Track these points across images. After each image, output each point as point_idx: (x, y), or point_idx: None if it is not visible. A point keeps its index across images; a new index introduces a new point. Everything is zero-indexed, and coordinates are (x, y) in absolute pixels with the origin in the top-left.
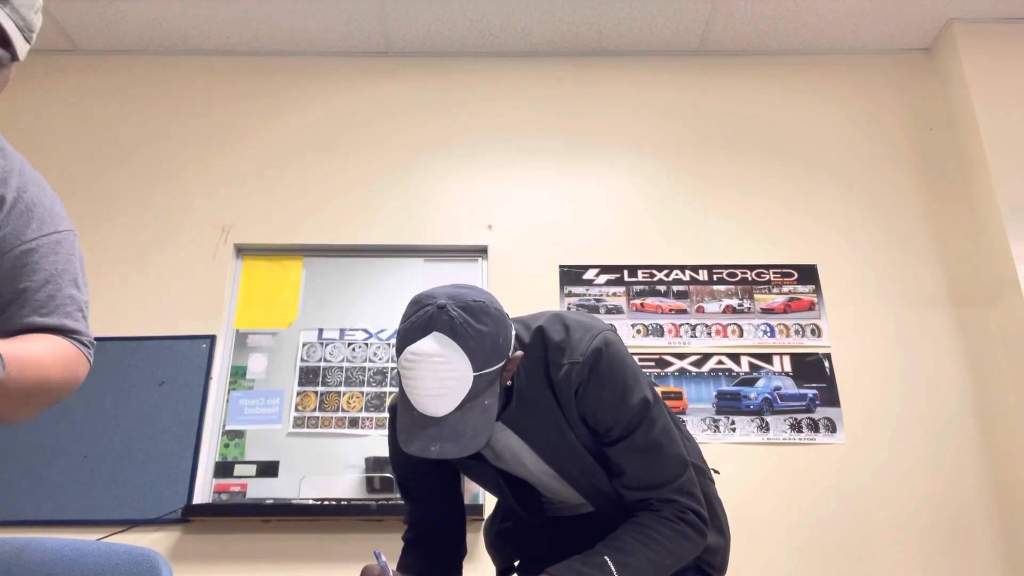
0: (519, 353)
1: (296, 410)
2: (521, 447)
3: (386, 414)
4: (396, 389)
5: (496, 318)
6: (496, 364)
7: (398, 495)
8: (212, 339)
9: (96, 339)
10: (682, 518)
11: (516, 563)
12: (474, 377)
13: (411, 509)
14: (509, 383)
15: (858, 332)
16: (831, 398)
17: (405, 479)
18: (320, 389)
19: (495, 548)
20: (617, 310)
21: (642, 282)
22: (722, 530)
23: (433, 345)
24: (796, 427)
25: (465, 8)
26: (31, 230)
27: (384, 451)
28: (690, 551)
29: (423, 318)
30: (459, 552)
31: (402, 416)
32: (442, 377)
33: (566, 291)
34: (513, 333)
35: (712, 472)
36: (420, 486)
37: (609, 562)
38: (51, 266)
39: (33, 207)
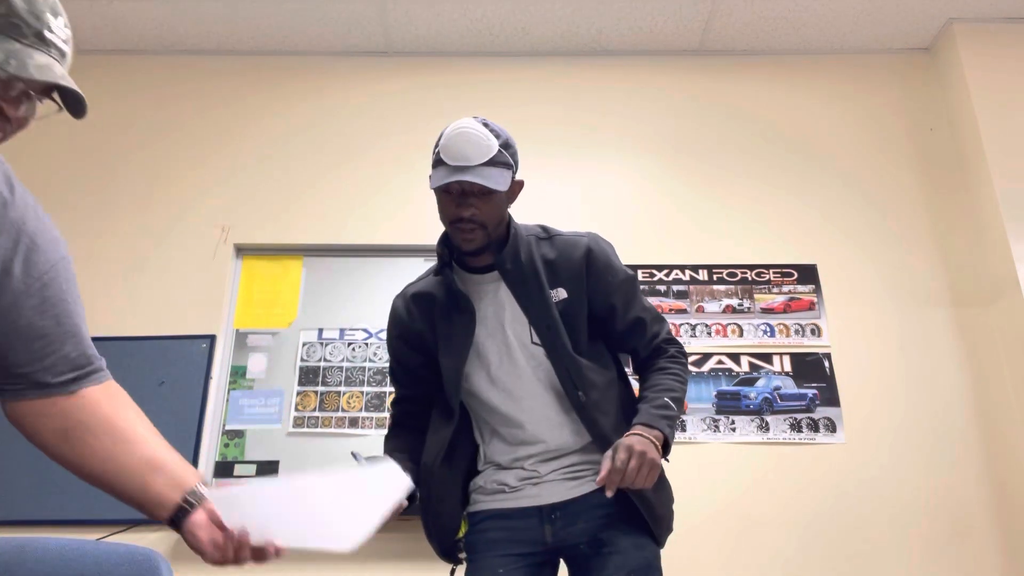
0: (523, 180)
1: (296, 410)
2: (507, 297)
3: (386, 414)
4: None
5: (513, 140)
6: (511, 158)
7: None
8: (212, 339)
9: (96, 339)
10: (681, 351)
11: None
12: (499, 148)
13: (397, 389)
14: (512, 231)
15: (858, 332)
16: (831, 398)
17: (397, 365)
18: (320, 389)
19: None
20: None
21: (642, 282)
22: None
23: (469, 120)
24: (796, 427)
25: (465, 8)
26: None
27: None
28: (687, 374)
29: (459, 119)
30: None
31: (436, 173)
32: (476, 133)
33: None
34: (519, 164)
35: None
36: (408, 374)
37: (669, 400)
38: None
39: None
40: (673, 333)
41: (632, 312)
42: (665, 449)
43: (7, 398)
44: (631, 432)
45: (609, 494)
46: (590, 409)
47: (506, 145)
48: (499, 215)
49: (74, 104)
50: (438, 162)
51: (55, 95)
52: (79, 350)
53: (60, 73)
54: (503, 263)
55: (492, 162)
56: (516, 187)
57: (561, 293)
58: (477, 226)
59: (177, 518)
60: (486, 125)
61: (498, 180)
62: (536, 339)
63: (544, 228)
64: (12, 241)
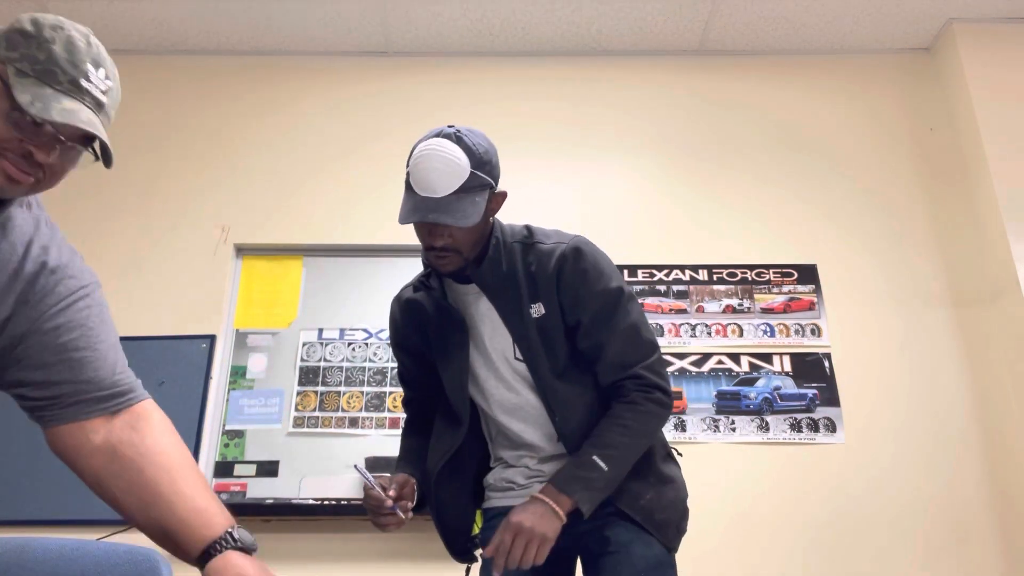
0: (505, 191)
1: (296, 410)
2: (489, 311)
3: (386, 414)
4: (395, 388)
5: (492, 149)
6: (488, 176)
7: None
8: (212, 339)
9: None
10: (648, 397)
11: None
12: (470, 172)
13: (405, 391)
14: (492, 242)
15: (858, 332)
16: (831, 398)
17: (401, 367)
18: (320, 389)
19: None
20: None
21: (642, 282)
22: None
23: (441, 139)
24: (796, 427)
25: (465, 8)
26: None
27: (384, 451)
28: (657, 425)
29: (434, 131)
30: None
31: (405, 202)
32: (446, 157)
33: None
34: (499, 175)
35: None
36: (411, 375)
37: (597, 460)
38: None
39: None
40: (658, 367)
41: (598, 332)
42: (578, 513)
43: (44, 425)
44: (536, 496)
45: (496, 575)
46: (567, 434)
47: (480, 164)
48: (474, 238)
49: (104, 153)
50: (407, 185)
51: (95, 146)
52: (100, 375)
53: (86, 119)
54: (482, 278)
55: (463, 189)
56: (497, 201)
57: (540, 308)
58: (451, 253)
59: (202, 561)
60: (460, 140)
61: (467, 212)
62: (519, 355)
63: (529, 232)
64: (33, 275)
